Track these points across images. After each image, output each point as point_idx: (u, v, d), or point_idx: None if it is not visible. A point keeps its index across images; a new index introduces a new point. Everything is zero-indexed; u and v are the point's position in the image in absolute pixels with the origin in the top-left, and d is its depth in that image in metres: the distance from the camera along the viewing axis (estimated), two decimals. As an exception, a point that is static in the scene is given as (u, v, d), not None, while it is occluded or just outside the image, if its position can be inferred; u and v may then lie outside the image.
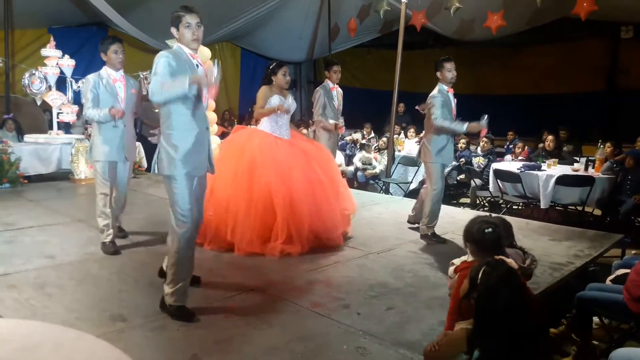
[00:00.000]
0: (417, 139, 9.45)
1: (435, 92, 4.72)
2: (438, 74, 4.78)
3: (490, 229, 2.54)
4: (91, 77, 4.17)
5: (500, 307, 1.99)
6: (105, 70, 4.20)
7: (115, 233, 4.26)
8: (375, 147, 9.07)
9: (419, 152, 5.03)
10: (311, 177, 4.42)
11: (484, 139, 7.94)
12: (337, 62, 6.04)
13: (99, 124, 4.13)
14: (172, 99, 2.85)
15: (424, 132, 5.10)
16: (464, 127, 4.55)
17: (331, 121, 5.85)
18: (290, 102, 4.52)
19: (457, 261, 2.82)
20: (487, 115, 4.49)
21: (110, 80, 4.17)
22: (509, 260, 2.41)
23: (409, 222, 5.24)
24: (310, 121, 5.72)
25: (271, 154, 4.32)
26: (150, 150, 8.43)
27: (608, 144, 6.92)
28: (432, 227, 4.75)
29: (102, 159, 4.14)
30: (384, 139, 9.02)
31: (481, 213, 5.96)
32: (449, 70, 4.71)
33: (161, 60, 2.86)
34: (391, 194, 7.93)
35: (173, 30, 2.96)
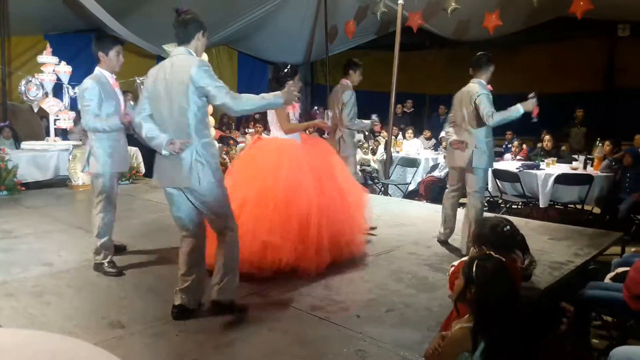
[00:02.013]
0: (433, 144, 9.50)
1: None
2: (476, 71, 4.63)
3: (508, 227, 2.58)
4: (90, 82, 3.76)
5: (499, 296, 2.03)
6: (102, 73, 3.86)
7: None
8: (370, 149, 9.09)
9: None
10: (338, 185, 4.09)
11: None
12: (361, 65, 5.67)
13: (101, 134, 3.78)
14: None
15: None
16: (520, 108, 4.31)
17: (367, 121, 5.42)
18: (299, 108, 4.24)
19: (457, 263, 2.81)
20: (534, 92, 4.38)
21: (109, 84, 3.86)
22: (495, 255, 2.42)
23: (439, 240, 4.72)
24: (337, 127, 5.28)
25: (296, 155, 3.96)
26: (149, 155, 8.42)
27: (607, 143, 6.93)
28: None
29: (109, 170, 3.80)
30: (378, 140, 9.10)
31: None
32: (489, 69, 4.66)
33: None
34: (390, 196, 7.93)
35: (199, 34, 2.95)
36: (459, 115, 4.50)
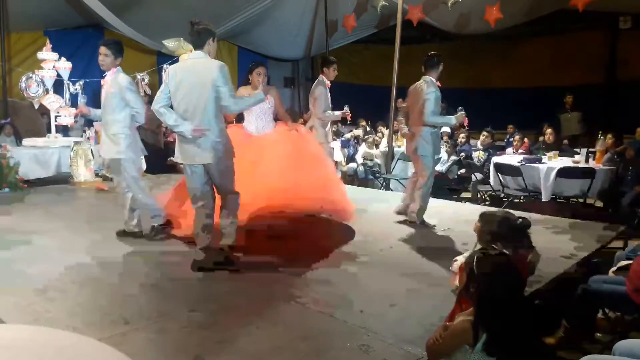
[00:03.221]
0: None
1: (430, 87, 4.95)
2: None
3: (521, 219, 2.58)
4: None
5: (500, 289, 2.02)
6: None
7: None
8: (374, 142, 9.08)
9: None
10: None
11: (485, 133, 7.97)
12: (335, 61, 6.11)
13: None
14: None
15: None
16: (452, 119, 5.12)
17: (339, 112, 5.90)
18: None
19: (460, 258, 2.81)
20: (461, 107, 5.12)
21: None
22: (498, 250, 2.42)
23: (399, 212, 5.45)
24: (304, 116, 6.20)
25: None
26: (151, 151, 8.40)
27: (609, 136, 6.89)
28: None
29: (135, 155, 4.51)
30: (378, 135, 9.08)
31: (484, 208, 5.96)
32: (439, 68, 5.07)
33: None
34: (392, 190, 7.92)
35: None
36: (414, 108, 5.11)
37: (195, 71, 3.58)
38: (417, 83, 5.10)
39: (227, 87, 3.55)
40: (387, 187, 8.05)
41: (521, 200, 7.16)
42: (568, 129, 9.14)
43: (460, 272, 2.43)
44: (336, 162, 9.08)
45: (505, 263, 2.14)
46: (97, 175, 7.44)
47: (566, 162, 6.65)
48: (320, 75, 5.85)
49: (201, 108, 3.54)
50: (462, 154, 7.94)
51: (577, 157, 6.92)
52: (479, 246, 2.79)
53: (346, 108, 5.98)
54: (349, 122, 9.88)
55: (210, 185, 3.79)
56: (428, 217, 5.25)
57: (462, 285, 2.23)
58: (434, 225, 5.10)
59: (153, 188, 7.01)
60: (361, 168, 8.73)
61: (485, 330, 2.00)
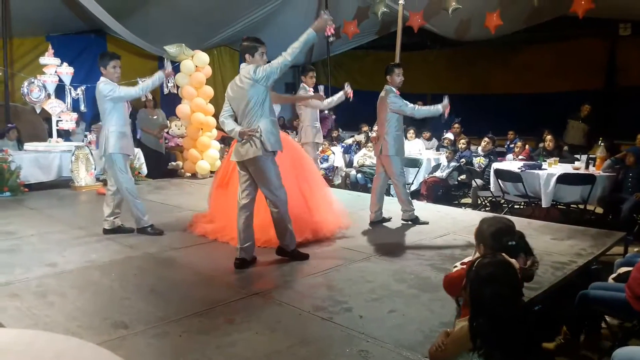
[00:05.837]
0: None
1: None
2: (388, 77, 5.26)
3: (513, 242, 2.55)
4: (103, 79, 4.62)
5: (491, 296, 1.99)
6: (107, 79, 4.63)
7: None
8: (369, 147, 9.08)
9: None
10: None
11: (486, 139, 7.98)
12: (313, 69, 6.57)
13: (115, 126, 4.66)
14: None
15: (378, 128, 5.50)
16: (440, 108, 5.21)
17: (339, 93, 6.24)
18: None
19: (459, 264, 2.80)
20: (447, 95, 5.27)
21: None
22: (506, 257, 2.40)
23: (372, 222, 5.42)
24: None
25: None
26: (151, 157, 8.42)
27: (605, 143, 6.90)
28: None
29: (119, 151, 4.72)
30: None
31: (484, 214, 5.96)
32: (398, 75, 5.23)
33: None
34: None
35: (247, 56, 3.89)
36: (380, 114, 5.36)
37: (239, 79, 3.90)
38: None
39: (265, 66, 3.88)
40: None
41: (521, 207, 7.16)
42: (571, 137, 9.15)
43: (454, 279, 2.45)
44: (337, 167, 9.11)
45: (505, 270, 2.11)
46: (97, 179, 7.46)
47: (566, 168, 6.65)
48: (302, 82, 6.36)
49: (244, 111, 3.87)
50: (463, 159, 7.95)
51: (577, 164, 6.93)
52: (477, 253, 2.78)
53: (347, 86, 6.23)
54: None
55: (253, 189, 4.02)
56: (429, 223, 5.26)
57: (462, 288, 2.22)
58: (427, 222, 5.38)
59: (151, 193, 7.05)
60: (359, 175, 8.71)
61: (478, 335, 1.99)
